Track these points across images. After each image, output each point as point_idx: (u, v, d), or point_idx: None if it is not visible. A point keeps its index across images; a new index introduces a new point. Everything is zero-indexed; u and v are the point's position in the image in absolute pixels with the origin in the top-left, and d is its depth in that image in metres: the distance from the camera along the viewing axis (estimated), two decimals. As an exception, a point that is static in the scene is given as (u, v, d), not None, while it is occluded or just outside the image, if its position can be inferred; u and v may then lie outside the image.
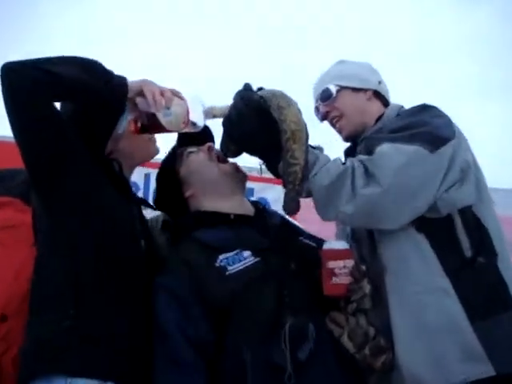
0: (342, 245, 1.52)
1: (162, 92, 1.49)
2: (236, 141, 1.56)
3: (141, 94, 1.47)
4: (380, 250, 1.63)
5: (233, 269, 1.48)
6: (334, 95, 1.88)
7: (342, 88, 1.89)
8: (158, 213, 1.84)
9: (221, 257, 1.50)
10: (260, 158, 1.58)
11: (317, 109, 1.96)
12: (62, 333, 1.36)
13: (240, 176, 1.73)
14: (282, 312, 1.44)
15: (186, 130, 1.57)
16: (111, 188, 1.55)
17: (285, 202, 1.46)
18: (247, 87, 1.56)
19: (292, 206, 1.45)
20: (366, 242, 1.69)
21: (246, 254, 1.52)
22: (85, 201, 1.47)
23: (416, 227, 1.57)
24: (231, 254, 1.51)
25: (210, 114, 1.60)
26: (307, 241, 1.70)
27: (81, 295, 1.40)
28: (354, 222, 1.57)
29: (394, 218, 1.53)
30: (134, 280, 1.50)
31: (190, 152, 1.77)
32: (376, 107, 1.91)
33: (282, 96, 1.50)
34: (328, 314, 1.53)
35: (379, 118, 1.84)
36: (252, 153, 1.59)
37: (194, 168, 1.73)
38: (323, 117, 1.94)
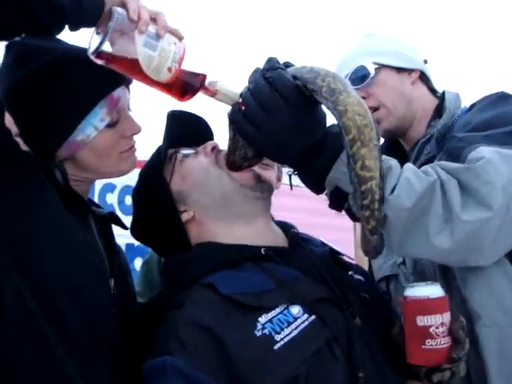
0: (436, 290, 1.03)
1: (155, 16, 0.95)
2: (259, 144, 1.01)
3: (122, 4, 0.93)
4: (466, 292, 1.18)
5: (282, 338, 0.95)
6: (373, 75, 1.44)
7: (382, 67, 1.46)
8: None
9: (261, 319, 0.97)
10: (295, 167, 1.06)
11: None
12: None
13: (265, 187, 1.19)
14: None
15: (167, 80, 0.97)
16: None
17: (364, 238, 0.94)
18: (273, 63, 1.00)
19: (375, 242, 0.93)
20: (436, 279, 1.23)
21: (295, 309, 1.01)
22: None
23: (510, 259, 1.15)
24: (274, 313, 0.99)
25: (212, 90, 1.03)
26: (358, 276, 1.21)
27: None
28: (449, 258, 1.08)
29: (494, 250, 1.08)
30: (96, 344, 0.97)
31: (185, 155, 1.21)
32: (424, 94, 1.50)
33: (332, 76, 0.97)
34: None
35: (438, 111, 1.43)
36: (285, 160, 1.07)
37: (194, 179, 1.18)
38: None
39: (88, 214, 1.16)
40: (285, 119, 0.96)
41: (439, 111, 1.43)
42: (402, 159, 1.33)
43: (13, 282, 0.89)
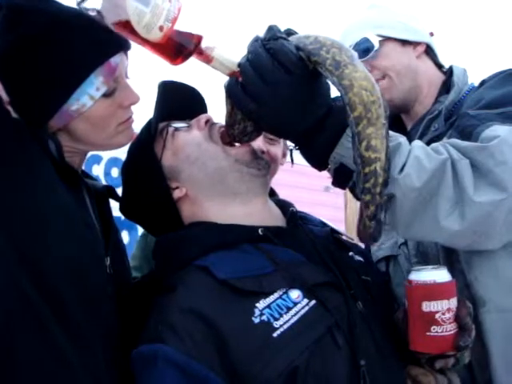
0: (442, 275, 0.97)
1: None
2: (259, 119, 0.94)
3: None
4: (471, 276, 1.13)
5: (281, 325, 0.90)
6: (376, 47, 1.39)
7: (386, 39, 1.40)
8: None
9: (259, 305, 0.91)
10: (297, 142, 1.00)
11: None
12: None
13: (262, 164, 1.12)
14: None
15: (158, 40, 0.89)
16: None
17: (361, 223, 0.89)
18: (274, 32, 0.93)
19: (372, 228, 0.88)
20: (439, 261, 1.19)
21: (295, 294, 0.95)
22: None
23: None
24: (273, 297, 0.93)
25: (207, 55, 0.94)
26: (358, 257, 1.16)
27: None
28: (457, 241, 1.03)
29: (504, 233, 1.02)
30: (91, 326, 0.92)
31: (177, 128, 1.14)
32: (430, 68, 1.44)
33: (338, 46, 0.90)
34: (407, 370, 1.03)
35: (445, 86, 1.38)
36: (287, 136, 1.01)
37: (187, 154, 1.11)
38: None
39: (82, 189, 1.10)
40: (287, 93, 0.90)
41: (446, 86, 1.38)
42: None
43: (8, 265, 0.83)
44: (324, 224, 1.20)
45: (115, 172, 3.24)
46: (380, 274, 1.29)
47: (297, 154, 1.10)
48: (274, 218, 1.12)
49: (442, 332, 0.95)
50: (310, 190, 5.07)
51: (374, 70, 1.38)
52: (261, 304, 0.92)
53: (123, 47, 1.03)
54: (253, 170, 1.09)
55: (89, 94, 1.00)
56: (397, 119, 1.48)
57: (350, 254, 1.15)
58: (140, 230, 1.99)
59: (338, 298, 0.98)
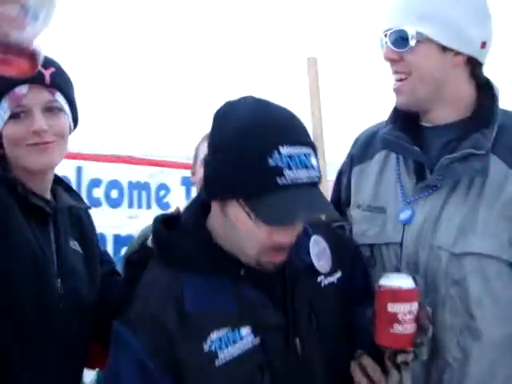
0: (407, 283, 1.19)
1: None
2: None
3: None
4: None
5: (224, 357, 1.11)
6: (412, 46, 1.30)
7: (425, 40, 1.30)
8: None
9: (213, 336, 1.12)
10: None
11: (382, 42, 1.38)
12: None
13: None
14: None
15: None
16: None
17: None
18: None
19: None
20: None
21: (245, 331, 1.14)
22: None
23: None
24: (225, 330, 1.13)
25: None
26: (329, 279, 1.29)
27: None
28: None
29: None
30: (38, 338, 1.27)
31: None
32: (462, 82, 1.36)
33: None
34: (358, 357, 1.23)
35: (483, 112, 1.34)
36: None
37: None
38: (387, 58, 1.38)
39: (48, 221, 1.35)
40: None
41: (483, 111, 1.34)
42: (414, 132, 1.41)
43: None
44: (308, 254, 1.28)
45: (115, 193, 3.41)
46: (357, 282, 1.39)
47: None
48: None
49: (402, 330, 1.16)
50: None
51: (402, 61, 1.33)
52: (214, 335, 1.11)
53: (28, 81, 1.25)
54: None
55: (1, 116, 1.28)
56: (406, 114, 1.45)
57: (319, 279, 1.28)
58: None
59: (280, 339, 1.17)
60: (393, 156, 1.47)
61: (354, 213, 1.53)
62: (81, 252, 1.44)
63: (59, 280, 1.32)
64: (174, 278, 1.16)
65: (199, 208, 1.24)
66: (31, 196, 1.31)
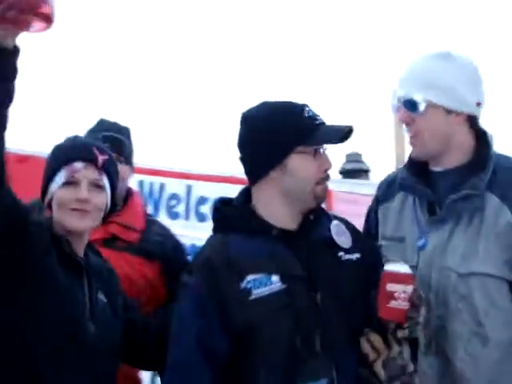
0: (405, 269, 1.49)
1: None
2: None
3: None
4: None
5: (257, 294, 1.47)
6: (421, 111, 1.64)
7: (432, 106, 1.64)
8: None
9: (249, 277, 1.49)
10: None
11: (394, 106, 1.74)
12: None
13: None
14: (298, 353, 1.46)
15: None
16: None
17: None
18: None
19: None
20: None
21: (275, 278, 1.50)
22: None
23: None
24: (260, 275, 1.49)
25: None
26: (348, 256, 1.61)
27: None
28: None
29: None
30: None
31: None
32: (464, 135, 1.69)
33: None
34: (366, 334, 1.53)
35: (480, 158, 1.66)
36: None
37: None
38: (401, 121, 1.76)
39: (83, 273, 1.63)
40: None
41: (482, 156, 1.66)
42: (425, 175, 1.74)
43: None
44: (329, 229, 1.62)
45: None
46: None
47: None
48: (293, 221, 1.59)
49: (397, 305, 1.45)
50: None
51: (413, 123, 1.66)
52: (250, 276, 1.48)
53: (85, 159, 1.59)
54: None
55: (56, 182, 1.59)
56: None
57: (340, 253, 1.60)
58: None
59: (302, 287, 1.51)
60: (410, 196, 1.78)
61: (381, 242, 1.83)
62: (105, 301, 1.69)
63: (91, 323, 1.58)
64: (223, 238, 1.57)
65: (245, 193, 1.66)
66: (73, 253, 1.59)
